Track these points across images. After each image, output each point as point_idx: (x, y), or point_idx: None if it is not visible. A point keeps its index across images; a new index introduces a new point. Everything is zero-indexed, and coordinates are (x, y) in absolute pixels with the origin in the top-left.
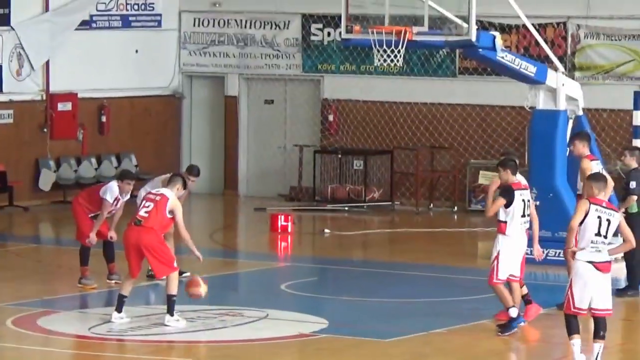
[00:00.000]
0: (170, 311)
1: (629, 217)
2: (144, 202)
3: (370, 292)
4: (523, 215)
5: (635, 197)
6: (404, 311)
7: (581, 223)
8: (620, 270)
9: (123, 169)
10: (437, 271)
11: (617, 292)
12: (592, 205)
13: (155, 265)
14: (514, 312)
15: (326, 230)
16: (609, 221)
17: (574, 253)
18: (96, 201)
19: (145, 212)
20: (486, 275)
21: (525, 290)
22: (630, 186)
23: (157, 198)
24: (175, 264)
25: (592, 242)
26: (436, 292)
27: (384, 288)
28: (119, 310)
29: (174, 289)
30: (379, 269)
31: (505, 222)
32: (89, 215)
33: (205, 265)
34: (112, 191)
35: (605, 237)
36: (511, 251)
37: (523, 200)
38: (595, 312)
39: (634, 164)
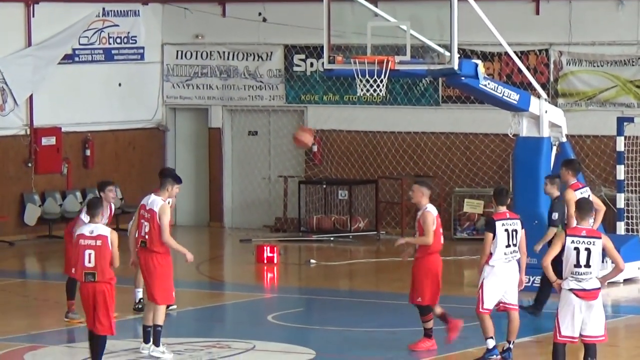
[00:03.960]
0: (156, 342)
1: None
2: (142, 221)
3: (357, 322)
4: (508, 246)
5: (555, 230)
6: (391, 340)
7: (562, 254)
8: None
9: (99, 181)
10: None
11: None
12: (568, 237)
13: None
14: (490, 344)
15: (312, 261)
16: (588, 250)
17: (559, 285)
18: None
19: (145, 233)
20: (473, 303)
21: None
22: (552, 217)
23: (148, 215)
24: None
25: (572, 273)
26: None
27: (370, 318)
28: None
29: (161, 320)
30: (366, 298)
31: (491, 252)
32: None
33: (191, 297)
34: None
35: (588, 265)
36: (496, 280)
37: (506, 231)
38: (584, 339)
39: (556, 192)
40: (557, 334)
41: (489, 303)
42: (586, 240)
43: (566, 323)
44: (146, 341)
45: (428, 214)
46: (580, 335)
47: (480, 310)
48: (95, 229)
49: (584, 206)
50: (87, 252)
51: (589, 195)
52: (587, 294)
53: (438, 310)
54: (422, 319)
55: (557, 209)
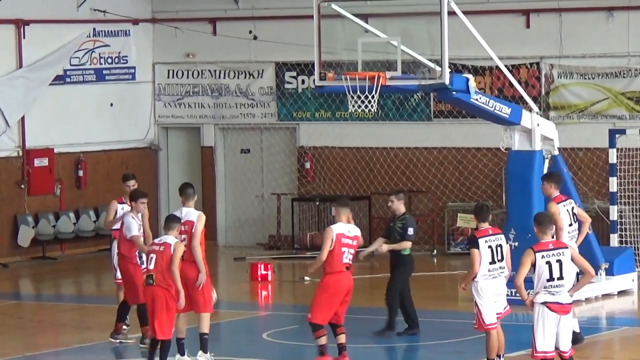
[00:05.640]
0: (204, 348)
1: (401, 258)
2: (181, 235)
3: (352, 338)
4: (492, 262)
5: (409, 244)
6: (387, 356)
7: (533, 270)
8: (595, 310)
9: (131, 190)
10: (419, 315)
11: (397, 334)
12: (537, 253)
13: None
14: None
15: (306, 278)
16: (560, 262)
17: (531, 301)
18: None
19: (184, 246)
20: (467, 318)
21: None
22: (408, 232)
23: (186, 227)
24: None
25: (545, 287)
26: (418, 337)
27: (366, 334)
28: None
29: (207, 327)
30: (361, 314)
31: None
32: (135, 262)
33: (185, 316)
34: (132, 225)
35: (561, 278)
36: (485, 296)
37: (490, 247)
38: (563, 354)
39: (403, 208)
40: (534, 351)
41: (490, 318)
42: (555, 252)
43: (540, 338)
44: (182, 353)
45: None
46: (559, 350)
47: (485, 327)
48: (164, 238)
49: (542, 220)
50: (151, 255)
51: (572, 208)
52: (561, 308)
53: (322, 341)
54: (314, 335)
55: (411, 224)
